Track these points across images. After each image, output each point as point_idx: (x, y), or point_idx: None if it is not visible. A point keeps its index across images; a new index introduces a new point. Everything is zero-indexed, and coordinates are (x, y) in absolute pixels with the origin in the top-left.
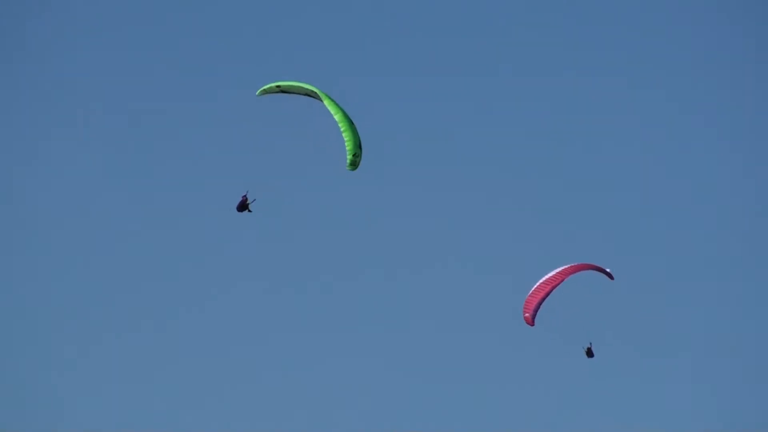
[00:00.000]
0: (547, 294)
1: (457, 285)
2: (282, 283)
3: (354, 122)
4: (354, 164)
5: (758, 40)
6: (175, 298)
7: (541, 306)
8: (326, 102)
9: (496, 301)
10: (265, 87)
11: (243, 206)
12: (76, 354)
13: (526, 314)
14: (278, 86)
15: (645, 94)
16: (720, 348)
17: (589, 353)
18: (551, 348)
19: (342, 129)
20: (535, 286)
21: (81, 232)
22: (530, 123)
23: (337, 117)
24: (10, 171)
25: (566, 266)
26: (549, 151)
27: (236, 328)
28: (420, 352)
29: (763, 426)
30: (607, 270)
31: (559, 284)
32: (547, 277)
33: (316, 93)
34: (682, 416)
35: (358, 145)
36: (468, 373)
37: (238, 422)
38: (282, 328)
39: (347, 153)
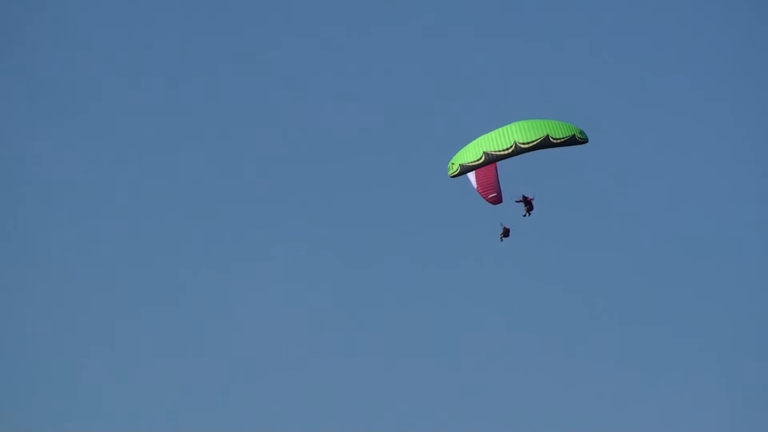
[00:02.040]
0: (496, 171)
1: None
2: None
3: (500, 149)
4: (450, 168)
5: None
6: (175, 297)
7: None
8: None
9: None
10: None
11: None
12: (76, 353)
13: (492, 195)
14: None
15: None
16: (719, 347)
17: (506, 233)
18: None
19: (487, 138)
20: (473, 172)
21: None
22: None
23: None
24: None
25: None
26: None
27: (239, 328)
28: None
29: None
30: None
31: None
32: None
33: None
34: (682, 416)
35: (461, 163)
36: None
37: (239, 422)
38: (286, 329)
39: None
